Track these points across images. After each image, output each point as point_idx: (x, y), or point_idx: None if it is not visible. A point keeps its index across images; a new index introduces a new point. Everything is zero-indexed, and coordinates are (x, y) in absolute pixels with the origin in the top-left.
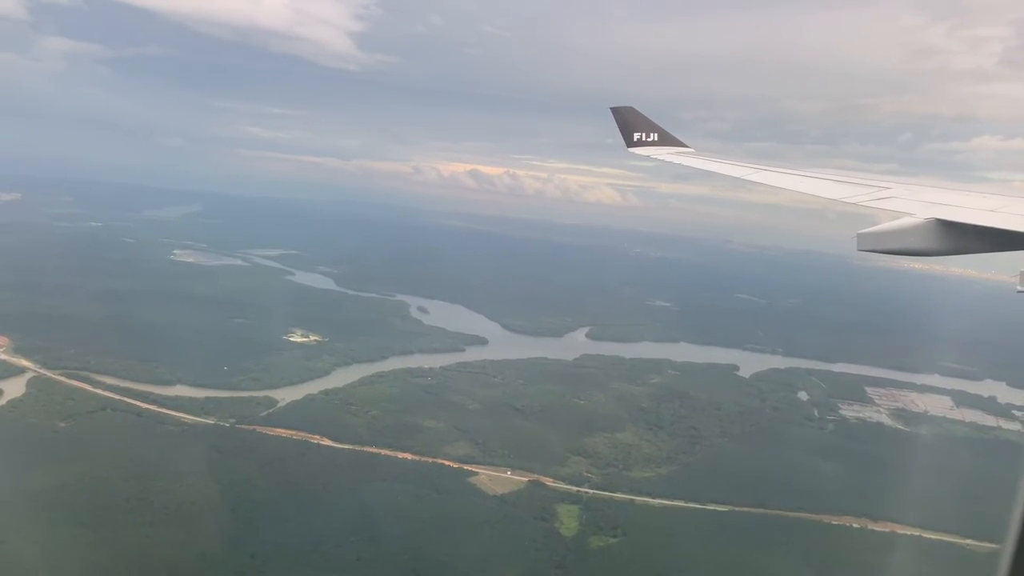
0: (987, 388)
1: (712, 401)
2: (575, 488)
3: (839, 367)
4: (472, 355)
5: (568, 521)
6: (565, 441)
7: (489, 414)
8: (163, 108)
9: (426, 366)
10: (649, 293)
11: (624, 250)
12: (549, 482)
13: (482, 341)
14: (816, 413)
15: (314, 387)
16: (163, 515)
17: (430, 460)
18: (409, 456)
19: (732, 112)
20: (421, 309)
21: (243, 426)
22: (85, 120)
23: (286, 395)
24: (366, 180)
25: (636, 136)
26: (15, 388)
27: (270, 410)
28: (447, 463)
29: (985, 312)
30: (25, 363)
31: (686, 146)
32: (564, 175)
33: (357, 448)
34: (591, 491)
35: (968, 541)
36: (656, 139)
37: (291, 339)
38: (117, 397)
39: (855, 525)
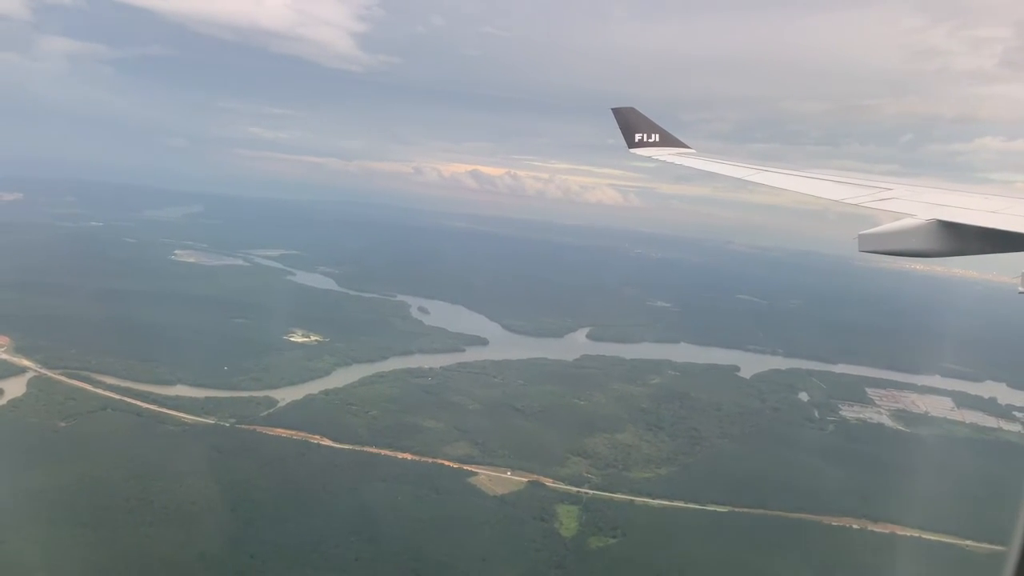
0: (988, 389)
1: (712, 402)
2: (575, 488)
3: (840, 368)
4: (472, 355)
5: (568, 521)
6: (565, 441)
7: (489, 414)
8: (165, 108)
9: (426, 366)
10: (650, 294)
11: (625, 251)
12: (549, 482)
13: (482, 341)
14: (816, 414)
15: (314, 387)
16: (163, 515)
17: (430, 460)
18: (409, 456)
19: (733, 113)
20: (422, 309)
21: (243, 426)
22: (87, 120)
23: (286, 395)
24: (367, 181)
25: (637, 137)
26: (16, 388)
27: (270, 410)
28: (447, 463)
29: (986, 313)
30: (26, 363)
31: (687, 147)
32: (565, 176)
33: (357, 448)
34: (591, 492)
35: (968, 542)
36: (657, 140)
37: (292, 339)
38: (117, 397)
39: (855, 526)
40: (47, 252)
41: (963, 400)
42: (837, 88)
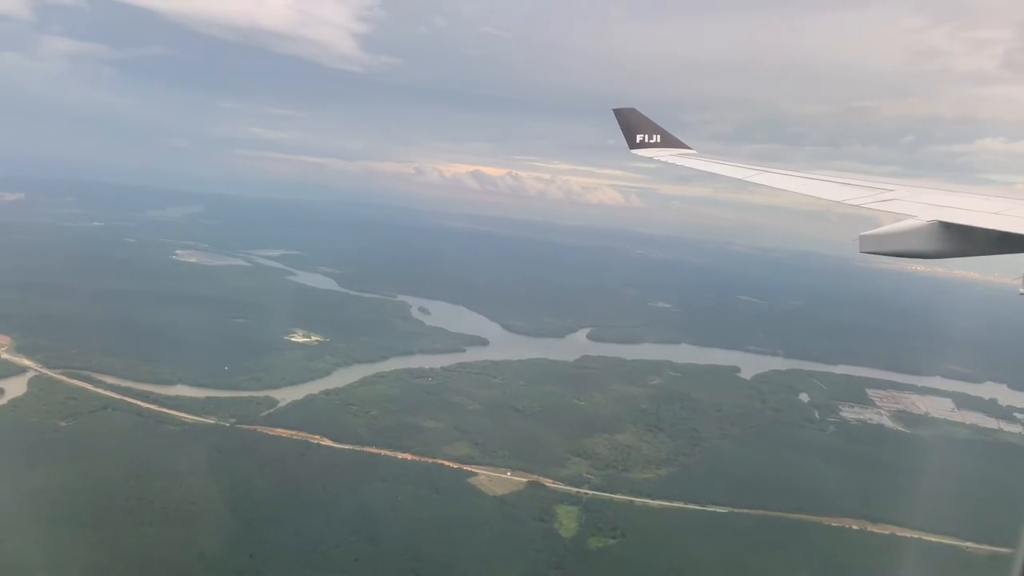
0: (988, 390)
1: (713, 402)
2: (575, 489)
3: (840, 369)
4: (473, 356)
5: (567, 522)
6: (565, 442)
7: (489, 415)
8: (166, 109)
9: (427, 366)
10: (651, 294)
11: (626, 251)
12: (549, 483)
13: (483, 342)
14: (817, 415)
15: (315, 387)
16: (163, 515)
17: (430, 460)
18: (409, 456)
19: (734, 114)
20: (422, 310)
21: (243, 426)
22: (87, 120)
23: (287, 395)
24: (368, 181)
25: (639, 138)
26: (16, 387)
27: (271, 410)
28: (447, 463)
29: (987, 314)
30: (27, 362)
31: (688, 148)
32: (566, 176)
33: (357, 448)
34: (590, 492)
35: (968, 544)
36: (658, 141)
37: (292, 339)
38: (118, 397)
39: (855, 527)
40: (48, 252)
41: (963, 401)
42: (838, 89)
